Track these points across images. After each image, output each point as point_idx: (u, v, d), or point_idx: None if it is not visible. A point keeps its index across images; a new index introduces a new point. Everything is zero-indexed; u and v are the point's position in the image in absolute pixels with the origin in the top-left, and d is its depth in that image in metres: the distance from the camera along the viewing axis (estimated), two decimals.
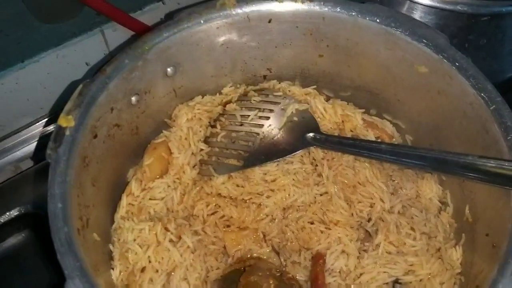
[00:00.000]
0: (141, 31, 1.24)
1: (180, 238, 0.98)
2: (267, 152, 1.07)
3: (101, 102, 0.95)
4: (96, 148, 0.95)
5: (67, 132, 0.88)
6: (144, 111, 1.08)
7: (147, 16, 1.31)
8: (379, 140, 1.12)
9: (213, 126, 1.13)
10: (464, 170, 0.85)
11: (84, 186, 0.90)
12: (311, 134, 1.07)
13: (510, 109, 0.89)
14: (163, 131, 1.14)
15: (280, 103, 1.12)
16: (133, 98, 1.04)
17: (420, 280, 0.96)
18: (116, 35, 1.29)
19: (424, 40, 1.00)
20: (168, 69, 1.08)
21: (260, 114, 1.11)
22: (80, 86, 0.93)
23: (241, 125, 1.11)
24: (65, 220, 0.79)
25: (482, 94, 0.93)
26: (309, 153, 1.10)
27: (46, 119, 1.32)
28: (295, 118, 1.09)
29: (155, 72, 1.06)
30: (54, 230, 0.78)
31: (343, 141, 1.04)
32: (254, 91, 1.17)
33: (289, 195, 1.06)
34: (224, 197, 1.07)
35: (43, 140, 1.30)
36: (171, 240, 0.97)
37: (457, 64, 0.96)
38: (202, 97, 1.18)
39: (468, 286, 0.91)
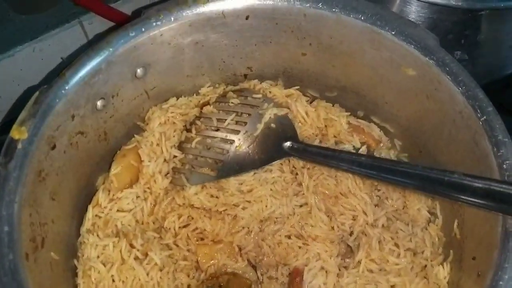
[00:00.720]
0: (123, 22, 1.16)
1: (147, 255, 0.92)
2: (242, 162, 1.00)
3: (59, 110, 0.88)
4: (55, 159, 0.89)
5: (19, 145, 0.82)
6: (113, 115, 1.02)
7: (129, 5, 1.23)
8: (364, 146, 1.05)
9: (188, 130, 1.06)
10: (449, 190, 0.77)
11: (40, 202, 0.84)
12: (288, 143, 0.99)
13: (502, 120, 0.81)
14: (135, 135, 1.07)
15: (258, 106, 1.05)
16: (99, 103, 0.97)
17: None
18: (96, 27, 1.22)
19: (412, 41, 0.92)
20: (138, 70, 1.01)
21: (237, 118, 1.04)
22: (36, 93, 0.86)
23: (217, 130, 1.04)
24: (11, 245, 0.73)
25: (472, 103, 0.85)
26: (289, 161, 1.03)
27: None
28: (273, 125, 1.02)
29: (122, 74, 0.98)
30: None
31: (322, 151, 0.96)
32: (234, 91, 1.09)
33: (266, 206, 0.99)
34: (198, 208, 1.00)
35: None
36: (136, 258, 0.91)
37: (447, 68, 0.88)
38: (177, 99, 1.10)
39: None
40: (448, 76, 0.89)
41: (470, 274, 0.81)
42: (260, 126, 1.01)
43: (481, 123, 0.83)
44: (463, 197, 0.76)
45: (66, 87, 0.89)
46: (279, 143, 1.00)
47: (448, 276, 0.92)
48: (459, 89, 0.87)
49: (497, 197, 0.73)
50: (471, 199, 0.75)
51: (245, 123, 1.03)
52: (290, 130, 1.02)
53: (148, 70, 1.02)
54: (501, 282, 0.73)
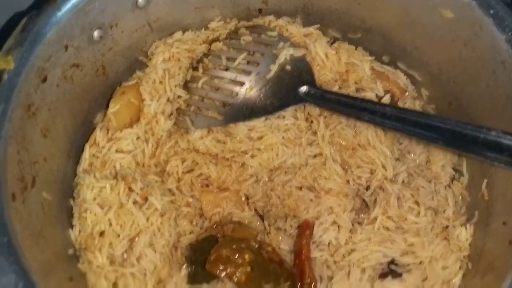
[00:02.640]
0: None
1: (146, 199, 0.86)
2: (252, 106, 0.91)
3: (50, 39, 0.79)
4: (47, 93, 0.81)
5: (5, 76, 0.73)
6: (111, 48, 0.92)
7: None
8: (388, 95, 0.95)
9: (195, 69, 0.97)
10: (484, 149, 0.68)
11: (30, 139, 0.77)
12: (304, 88, 0.90)
13: None
14: (137, 71, 0.98)
15: (273, 45, 0.94)
16: (95, 33, 0.88)
17: (420, 263, 0.84)
18: None
19: None
20: None
21: (249, 58, 0.94)
22: (24, 19, 0.78)
23: (227, 70, 0.95)
24: None
25: None
26: (304, 107, 0.94)
27: None
28: (288, 67, 0.92)
29: (121, 2, 0.88)
30: None
31: (341, 99, 0.87)
32: (246, 28, 0.99)
33: (277, 155, 0.92)
34: (203, 153, 0.93)
35: None
36: (135, 202, 0.85)
37: (491, 11, 0.79)
38: (184, 33, 1.00)
39: (476, 278, 0.78)
40: (492, 20, 0.79)
41: (499, 241, 0.75)
42: (274, 68, 0.91)
43: None
44: (500, 157, 0.67)
45: (58, 14, 0.80)
46: (294, 88, 0.90)
47: (470, 239, 0.85)
48: (503, 35, 0.78)
49: None
50: (509, 159, 0.66)
51: (258, 64, 0.93)
52: (307, 73, 0.92)
53: None
54: None
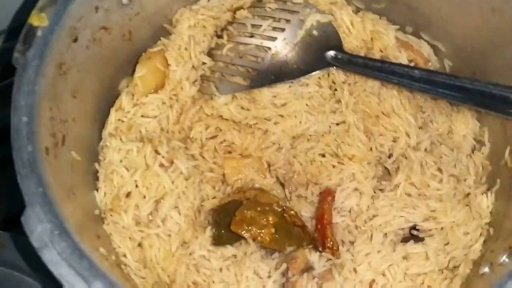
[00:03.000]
0: None
1: (172, 162, 0.87)
2: (278, 71, 0.91)
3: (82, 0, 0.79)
4: (77, 54, 0.81)
5: (39, 33, 0.74)
6: (139, 13, 0.93)
7: None
8: (412, 64, 0.95)
9: (219, 36, 0.97)
10: None
11: (61, 98, 0.78)
12: (331, 53, 0.90)
13: None
14: (162, 38, 0.99)
15: (299, 12, 0.95)
16: None
17: (442, 229, 0.84)
18: None
19: None
20: None
21: (275, 24, 0.95)
22: None
23: (252, 36, 0.95)
24: (30, 137, 0.68)
25: None
26: (328, 75, 0.94)
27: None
28: (315, 32, 0.92)
29: None
30: (15, 149, 0.67)
31: (370, 63, 0.87)
32: None
33: (300, 122, 0.92)
34: (226, 120, 0.94)
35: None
36: (161, 165, 0.86)
37: None
38: (209, 0, 1.00)
39: (498, 243, 0.79)
40: None
41: None
42: (301, 33, 0.92)
43: None
44: None
45: None
46: (321, 53, 0.91)
47: (491, 206, 0.86)
48: None
49: None
50: None
51: (283, 30, 0.93)
52: (334, 38, 0.92)
53: None
54: None
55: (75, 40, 0.80)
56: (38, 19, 0.74)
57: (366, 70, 0.87)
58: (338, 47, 0.91)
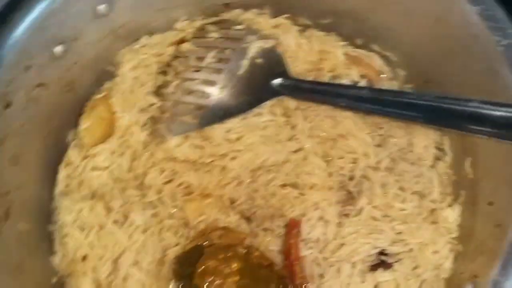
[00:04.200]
0: None
1: (127, 217, 0.84)
2: (226, 107, 0.89)
3: (9, 62, 0.76)
4: (12, 119, 0.78)
5: None
6: (77, 62, 0.89)
7: None
8: (363, 81, 0.93)
9: (165, 73, 0.94)
10: (464, 121, 0.67)
11: None
12: (278, 80, 0.88)
13: None
14: (106, 82, 0.95)
15: (242, 39, 0.92)
16: (58, 49, 0.84)
17: (410, 250, 0.83)
18: None
19: None
20: (99, 8, 0.87)
21: (219, 55, 0.92)
22: None
23: (198, 70, 0.92)
24: None
25: (490, 25, 0.72)
26: (281, 102, 0.92)
27: None
28: (259, 60, 0.90)
29: (81, 13, 0.85)
30: None
31: (317, 87, 0.85)
32: (213, 23, 0.96)
33: (257, 154, 0.90)
34: (181, 161, 0.90)
35: None
36: (115, 221, 0.83)
37: None
38: (150, 36, 0.97)
39: (466, 260, 0.77)
40: None
41: (486, 223, 0.73)
42: (245, 62, 0.89)
43: (500, 49, 0.70)
44: (482, 128, 0.66)
45: (14, 35, 0.76)
46: (268, 81, 0.88)
47: (459, 219, 0.84)
48: (474, 6, 0.74)
49: None
50: (491, 130, 0.65)
51: (228, 60, 0.90)
52: (279, 64, 0.90)
53: (114, 5, 0.89)
54: None
55: (7, 105, 0.77)
56: None
57: (315, 95, 0.85)
58: (284, 73, 0.89)
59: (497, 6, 0.72)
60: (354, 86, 0.89)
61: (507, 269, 0.62)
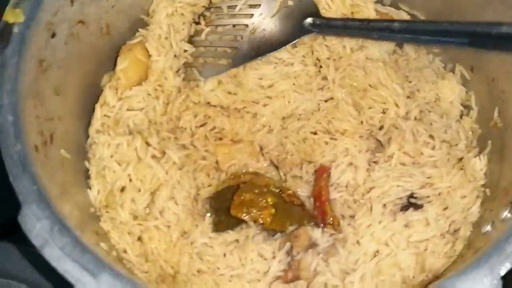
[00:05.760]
0: None
1: (164, 153, 0.85)
2: (258, 46, 0.90)
3: None
4: (56, 50, 0.79)
5: (16, 30, 0.72)
6: (114, 5, 0.91)
7: None
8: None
9: (198, 23, 0.96)
10: (500, 41, 0.67)
11: (44, 96, 0.76)
12: (309, 20, 0.90)
13: None
14: (140, 30, 0.97)
15: None
16: None
17: (439, 194, 0.85)
18: None
19: None
20: None
21: (250, 1, 0.94)
22: None
23: (229, 17, 0.94)
24: (18, 135, 0.65)
25: None
26: (313, 53, 0.94)
27: None
28: (290, 2, 0.91)
29: None
30: (4, 148, 0.64)
31: (348, 23, 0.87)
32: None
33: (289, 102, 0.92)
34: (214, 106, 0.92)
35: None
36: (154, 156, 0.84)
37: None
38: None
39: (496, 202, 0.79)
40: None
41: None
42: (276, 5, 0.91)
43: None
44: None
45: None
46: (299, 21, 0.90)
47: (485, 168, 0.87)
48: None
49: None
50: None
51: (259, 5, 0.92)
52: (310, 5, 0.91)
53: None
54: None
55: (53, 35, 0.78)
56: (13, 15, 0.72)
57: (346, 31, 0.87)
58: (315, 13, 0.91)
59: None
60: (385, 20, 0.91)
61: None
